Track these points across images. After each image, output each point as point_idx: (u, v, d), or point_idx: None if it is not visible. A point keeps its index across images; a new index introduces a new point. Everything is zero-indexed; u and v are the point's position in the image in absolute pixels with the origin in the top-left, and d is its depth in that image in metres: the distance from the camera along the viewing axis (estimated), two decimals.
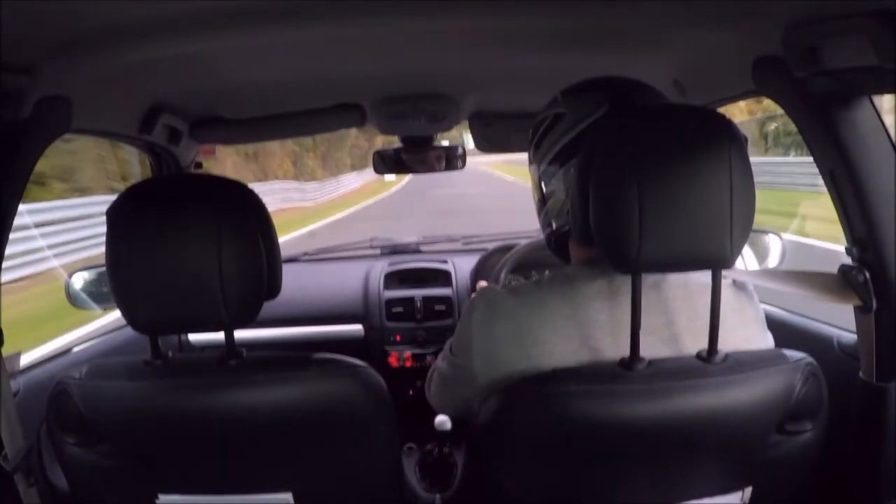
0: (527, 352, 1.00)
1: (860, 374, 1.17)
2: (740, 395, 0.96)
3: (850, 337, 1.29)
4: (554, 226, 1.13)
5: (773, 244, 1.87)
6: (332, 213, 18.40)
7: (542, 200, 1.14)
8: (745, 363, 0.98)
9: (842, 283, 1.14)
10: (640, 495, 1.02)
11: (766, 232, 1.89)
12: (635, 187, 0.89)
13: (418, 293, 2.35)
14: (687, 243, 0.91)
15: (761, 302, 1.11)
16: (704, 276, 0.99)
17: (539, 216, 1.17)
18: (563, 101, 1.10)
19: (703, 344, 0.97)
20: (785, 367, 0.98)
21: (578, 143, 1.02)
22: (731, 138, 0.91)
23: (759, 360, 0.99)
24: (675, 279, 1.03)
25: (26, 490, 1.15)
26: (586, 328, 1.00)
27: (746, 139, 0.93)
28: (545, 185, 1.12)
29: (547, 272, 1.08)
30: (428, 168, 2.24)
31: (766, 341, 1.08)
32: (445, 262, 2.48)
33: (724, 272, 0.99)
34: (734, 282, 1.08)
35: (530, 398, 0.97)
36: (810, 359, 0.99)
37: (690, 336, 1.01)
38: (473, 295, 1.13)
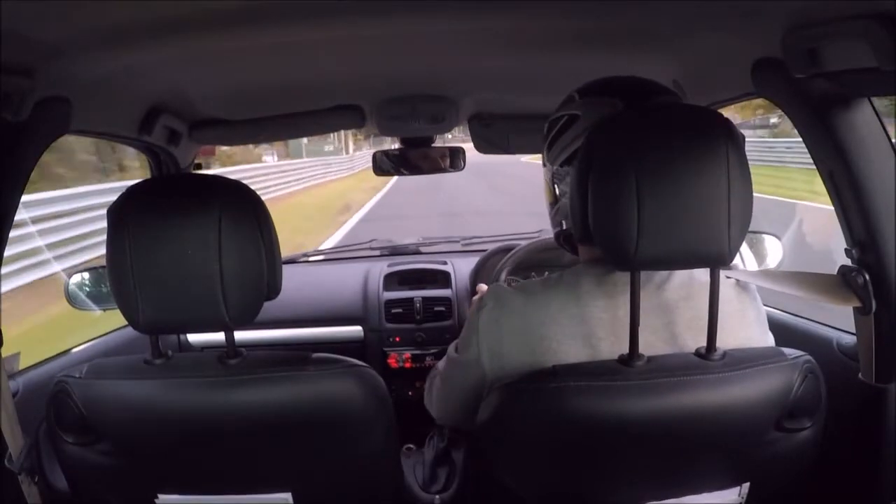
0: (531, 348, 1.01)
1: (859, 375, 1.18)
2: (739, 392, 0.96)
3: (850, 338, 1.29)
4: (564, 225, 1.14)
5: (773, 246, 1.87)
6: None
7: (554, 201, 1.15)
8: (744, 360, 0.98)
9: (841, 284, 1.14)
10: (639, 490, 1.02)
11: (765, 234, 1.89)
12: (633, 185, 0.90)
13: (418, 294, 2.35)
14: (685, 240, 0.92)
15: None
16: (707, 276, 0.99)
17: (550, 215, 1.19)
18: (579, 101, 1.10)
19: (703, 343, 0.98)
20: (783, 365, 0.98)
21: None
22: (729, 136, 0.91)
23: (758, 357, 1.00)
24: (679, 279, 1.04)
25: (30, 489, 1.15)
26: (589, 326, 1.01)
27: (744, 137, 0.94)
28: (557, 186, 1.12)
29: (547, 273, 1.09)
30: (429, 169, 2.24)
31: (767, 343, 1.08)
32: (445, 263, 2.48)
33: (727, 272, 0.99)
34: (737, 282, 1.08)
35: (530, 394, 0.97)
36: (809, 356, 1.00)
37: (690, 336, 1.01)
38: (479, 295, 1.13)
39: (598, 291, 1.02)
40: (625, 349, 0.96)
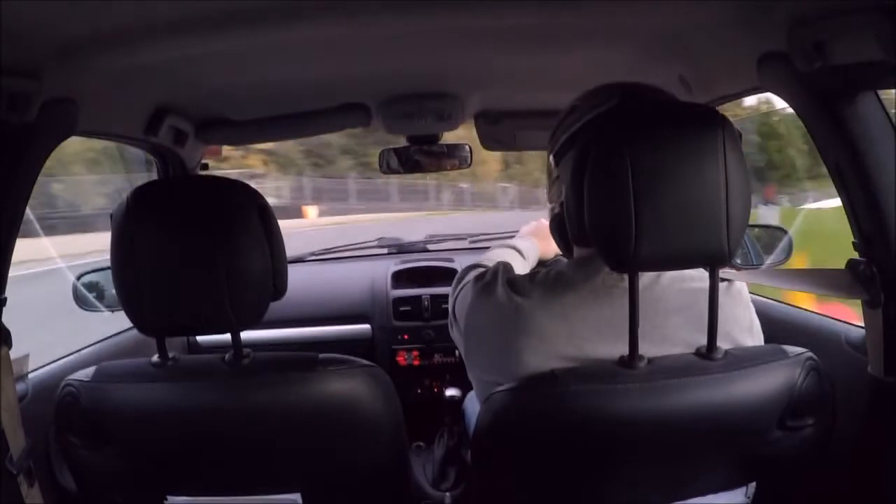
0: (508, 346, 1.01)
1: (868, 369, 1.17)
2: (741, 392, 0.96)
3: (859, 332, 1.28)
4: (556, 209, 1.14)
5: (781, 240, 1.86)
6: None
7: (551, 185, 1.15)
8: (745, 359, 0.98)
9: (849, 278, 1.13)
10: (644, 493, 1.02)
11: (773, 228, 1.88)
12: (629, 184, 0.89)
13: (426, 292, 2.35)
14: (683, 240, 0.91)
15: (769, 298, 1.10)
16: (697, 281, 0.98)
17: (548, 200, 1.19)
18: (582, 95, 1.12)
19: (694, 346, 0.98)
20: (785, 363, 0.98)
21: (585, 130, 1.03)
22: (725, 134, 0.91)
23: (759, 355, 0.99)
24: (668, 282, 1.03)
25: (28, 491, 1.15)
26: (571, 325, 1.00)
27: (741, 135, 0.93)
28: (555, 171, 1.13)
29: (542, 270, 1.08)
30: (435, 167, 2.24)
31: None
32: (452, 260, 2.48)
33: (724, 273, 0.98)
34: (728, 287, 1.07)
35: (529, 399, 0.97)
36: (810, 353, 0.99)
37: (681, 338, 1.01)
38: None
39: (587, 291, 1.01)
40: (616, 350, 0.96)
